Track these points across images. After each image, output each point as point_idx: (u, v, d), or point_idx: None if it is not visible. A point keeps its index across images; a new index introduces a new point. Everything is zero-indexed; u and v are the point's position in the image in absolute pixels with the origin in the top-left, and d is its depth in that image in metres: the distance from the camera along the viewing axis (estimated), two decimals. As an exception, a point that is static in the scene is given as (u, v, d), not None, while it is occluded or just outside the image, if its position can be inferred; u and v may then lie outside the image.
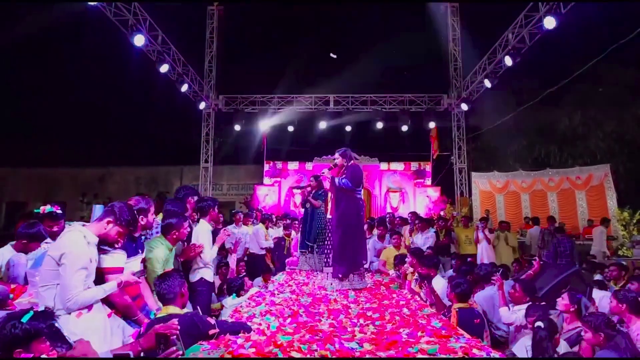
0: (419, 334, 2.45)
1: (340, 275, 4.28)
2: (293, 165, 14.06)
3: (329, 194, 4.89)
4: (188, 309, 2.87)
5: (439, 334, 2.46)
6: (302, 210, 6.20)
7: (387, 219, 8.12)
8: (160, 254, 3.01)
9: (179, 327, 1.91)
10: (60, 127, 15.94)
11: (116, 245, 2.41)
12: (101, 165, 16.54)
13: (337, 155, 4.72)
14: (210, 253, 3.58)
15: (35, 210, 3.33)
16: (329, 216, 4.49)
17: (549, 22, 7.67)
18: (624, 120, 14.34)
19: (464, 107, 12.28)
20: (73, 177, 16.17)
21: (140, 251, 2.75)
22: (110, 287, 2.29)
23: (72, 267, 2.14)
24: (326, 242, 4.57)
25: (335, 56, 13.57)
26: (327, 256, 4.53)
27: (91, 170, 16.48)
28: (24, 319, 1.64)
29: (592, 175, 12.19)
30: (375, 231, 6.66)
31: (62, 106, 15.24)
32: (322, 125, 13.39)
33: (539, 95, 11.72)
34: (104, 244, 2.39)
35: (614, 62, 12.30)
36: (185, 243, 3.52)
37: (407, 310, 3.21)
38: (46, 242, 2.95)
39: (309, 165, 13.72)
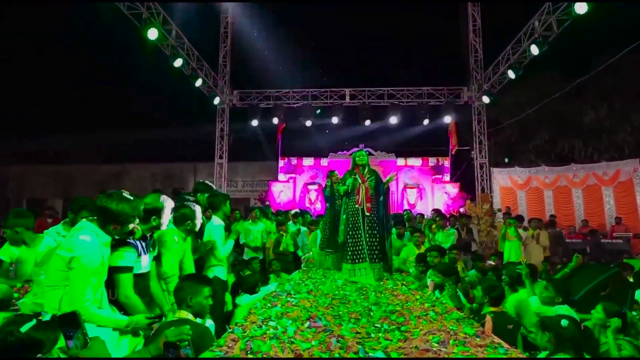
0: (452, 342, 2.22)
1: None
2: (308, 162, 13.86)
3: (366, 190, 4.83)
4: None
5: (473, 343, 2.22)
6: (322, 206, 5.93)
7: (405, 216, 7.86)
8: (172, 238, 2.88)
9: (190, 334, 1.74)
10: (77, 124, 16.12)
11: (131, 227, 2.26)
12: (117, 161, 16.69)
13: (369, 152, 4.98)
14: (224, 249, 3.42)
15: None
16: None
17: (580, 7, 7.24)
18: (653, 113, 13.69)
19: (485, 99, 11.84)
20: (89, 173, 16.35)
21: (151, 249, 2.60)
22: (121, 320, 2.12)
23: (83, 272, 1.99)
24: (366, 239, 4.61)
25: None
26: (361, 252, 4.54)
27: (108, 167, 16.65)
28: (23, 328, 1.48)
29: (620, 171, 11.75)
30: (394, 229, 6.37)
31: (79, 103, 15.42)
32: (338, 120, 13.12)
33: (563, 86, 11.23)
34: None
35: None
36: (198, 240, 3.37)
37: (433, 313, 2.97)
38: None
39: (324, 161, 13.49)
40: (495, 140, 14.94)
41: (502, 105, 13.53)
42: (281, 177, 13.90)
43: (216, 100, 12.57)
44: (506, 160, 14.58)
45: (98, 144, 16.77)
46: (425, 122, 12.90)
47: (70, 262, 1.99)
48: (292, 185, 13.57)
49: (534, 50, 8.85)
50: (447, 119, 12.89)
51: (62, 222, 3.14)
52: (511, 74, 10.14)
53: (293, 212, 8.58)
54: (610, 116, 14.36)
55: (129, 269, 2.32)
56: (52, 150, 16.53)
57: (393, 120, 12.81)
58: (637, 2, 10.14)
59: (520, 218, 8.03)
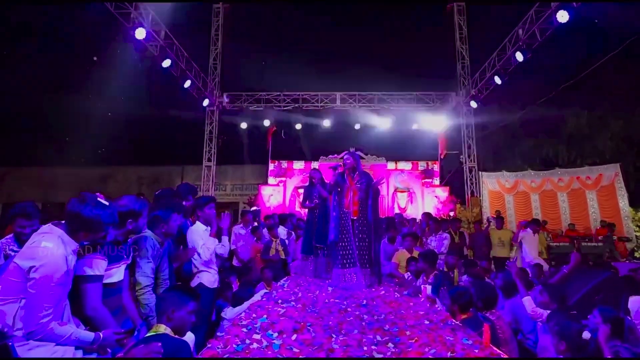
0: (449, 354, 2.10)
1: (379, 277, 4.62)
2: (298, 165, 13.70)
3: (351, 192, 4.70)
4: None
5: (471, 355, 2.10)
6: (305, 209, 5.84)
7: (397, 220, 7.77)
8: (148, 244, 2.68)
9: (162, 352, 1.57)
10: (59, 126, 15.65)
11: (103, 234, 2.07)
12: (102, 164, 16.24)
13: (348, 156, 4.86)
14: (205, 253, 3.29)
15: None
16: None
17: (562, 16, 7.33)
18: (632, 120, 14.01)
19: (473, 104, 11.97)
20: (73, 176, 15.84)
21: (125, 256, 2.40)
22: (86, 337, 1.90)
23: (45, 284, 1.75)
24: (356, 243, 4.50)
25: None
26: (351, 257, 4.43)
27: (92, 170, 16.18)
28: None
29: (602, 175, 11.94)
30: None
31: (60, 103, 14.94)
32: (328, 123, 13.03)
33: (547, 93, 11.42)
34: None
35: (622, 60, 11.93)
36: (180, 246, 3.21)
37: (428, 322, 2.86)
38: (11, 250, 2.61)
39: (314, 165, 13.35)
40: (483, 144, 15.05)
41: (490, 110, 13.65)
42: (271, 180, 13.70)
43: (205, 102, 12.38)
44: None
45: (82, 146, 16.29)
46: (415, 126, 12.92)
47: (29, 272, 1.76)
48: (282, 189, 13.39)
49: (519, 57, 9.00)
50: (437, 124, 12.92)
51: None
52: (497, 80, 10.27)
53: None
54: (591, 122, 14.62)
55: (98, 278, 2.11)
56: (32, 151, 15.95)
57: (383, 124, 12.77)
58: (615, 12, 10.32)
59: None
